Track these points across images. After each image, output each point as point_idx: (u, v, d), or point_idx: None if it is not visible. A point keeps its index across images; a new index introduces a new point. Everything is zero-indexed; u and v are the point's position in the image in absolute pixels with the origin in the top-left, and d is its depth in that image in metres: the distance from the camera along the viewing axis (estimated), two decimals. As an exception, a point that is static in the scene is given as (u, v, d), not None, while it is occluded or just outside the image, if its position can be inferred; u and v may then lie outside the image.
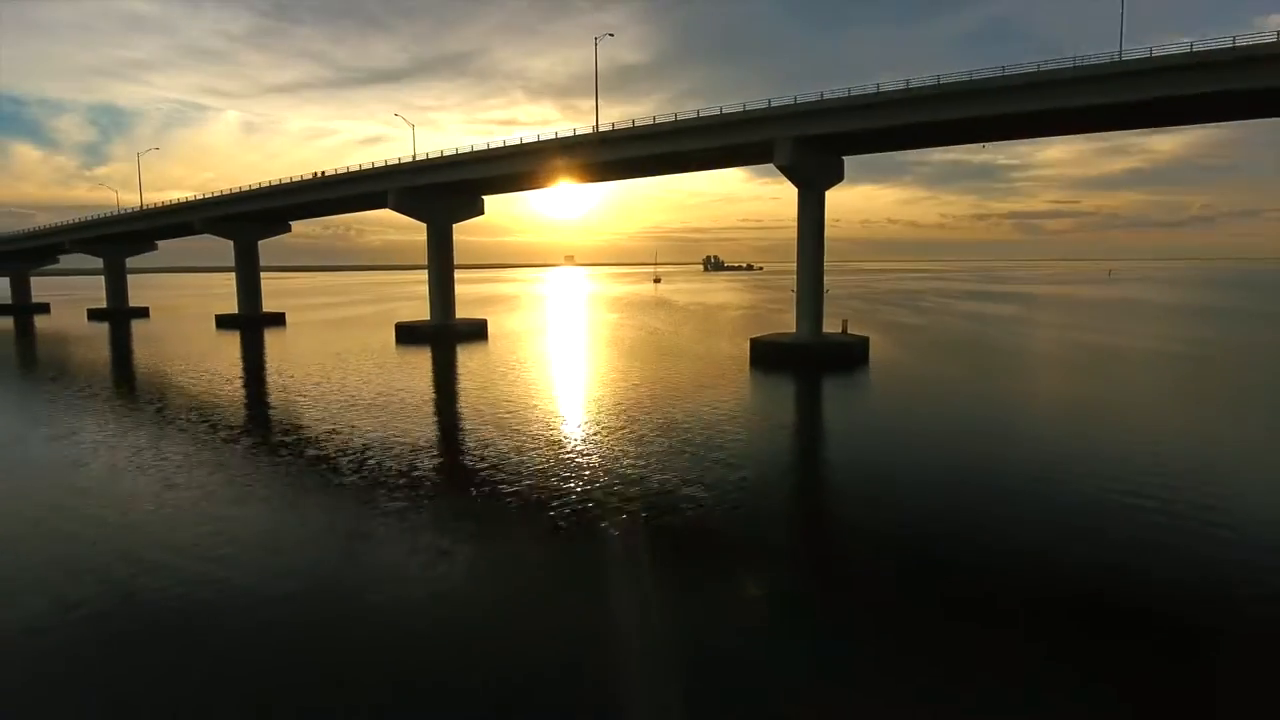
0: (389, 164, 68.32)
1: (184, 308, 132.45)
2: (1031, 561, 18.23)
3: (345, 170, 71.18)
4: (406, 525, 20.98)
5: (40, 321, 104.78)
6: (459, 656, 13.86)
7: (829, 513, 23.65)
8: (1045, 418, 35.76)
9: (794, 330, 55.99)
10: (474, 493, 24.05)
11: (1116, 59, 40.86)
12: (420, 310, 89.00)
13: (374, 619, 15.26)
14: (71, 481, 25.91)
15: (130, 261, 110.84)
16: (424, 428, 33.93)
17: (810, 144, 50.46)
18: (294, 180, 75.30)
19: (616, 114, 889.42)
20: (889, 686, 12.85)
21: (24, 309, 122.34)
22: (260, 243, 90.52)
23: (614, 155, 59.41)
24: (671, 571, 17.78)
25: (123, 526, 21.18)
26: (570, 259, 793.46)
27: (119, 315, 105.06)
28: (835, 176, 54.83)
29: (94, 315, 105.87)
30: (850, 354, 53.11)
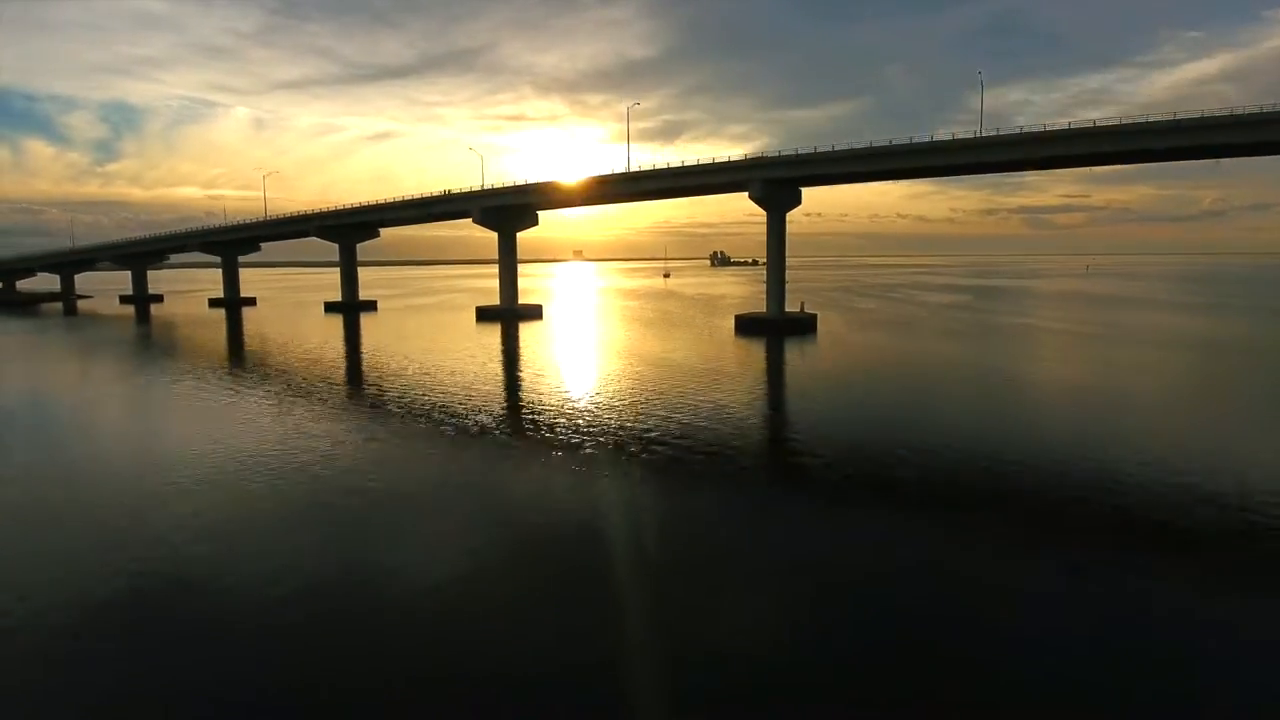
0: (475, 190, 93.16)
1: (276, 298, 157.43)
2: (852, 402, 42.50)
3: (443, 193, 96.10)
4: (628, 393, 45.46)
5: (167, 308, 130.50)
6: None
7: (769, 380, 47.90)
8: (909, 358, 59.87)
9: (765, 309, 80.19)
10: (608, 385, 48.50)
11: (977, 134, 65.06)
12: (468, 299, 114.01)
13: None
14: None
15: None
16: (556, 363, 58.57)
17: (774, 182, 74.57)
18: (404, 199, 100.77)
19: (624, 108, 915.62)
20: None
21: (144, 299, 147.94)
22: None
23: (637, 187, 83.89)
24: (690, 389, 42.04)
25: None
26: (579, 254, 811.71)
27: (233, 304, 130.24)
28: (794, 202, 78.63)
29: (214, 303, 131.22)
30: (803, 325, 77.14)
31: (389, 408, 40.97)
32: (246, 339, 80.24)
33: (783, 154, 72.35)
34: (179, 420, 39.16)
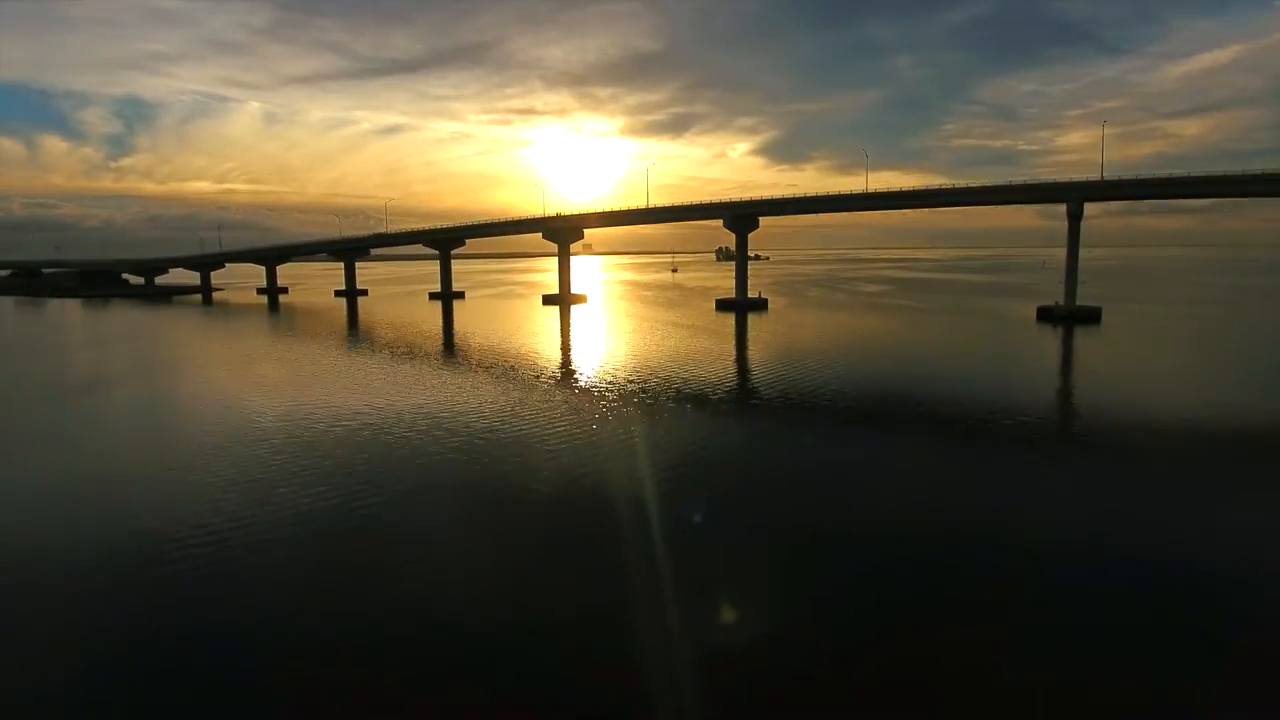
0: (544, 216, 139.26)
1: (377, 289, 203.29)
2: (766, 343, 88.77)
3: (521, 218, 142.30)
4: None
5: (294, 298, 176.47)
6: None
7: (731, 330, 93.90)
8: (815, 321, 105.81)
9: (733, 295, 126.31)
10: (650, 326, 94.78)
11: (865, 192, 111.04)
12: (525, 290, 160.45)
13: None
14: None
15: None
16: (611, 325, 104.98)
17: (739, 217, 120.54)
18: (492, 221, 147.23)
19: (633, 101, 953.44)
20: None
21: (274, 291, 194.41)
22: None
23: (650, 218, 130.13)
24: (686, 332, 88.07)
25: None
26: (588, 247, 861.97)
27: (352, 294, 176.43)
28: (753, 226, 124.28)
29: (338, 294, 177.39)
30: (759, 305, 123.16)
31: (561, 358, 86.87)
32: (392, 322, 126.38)
33: (743, 200, 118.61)
34: (415, 377, 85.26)
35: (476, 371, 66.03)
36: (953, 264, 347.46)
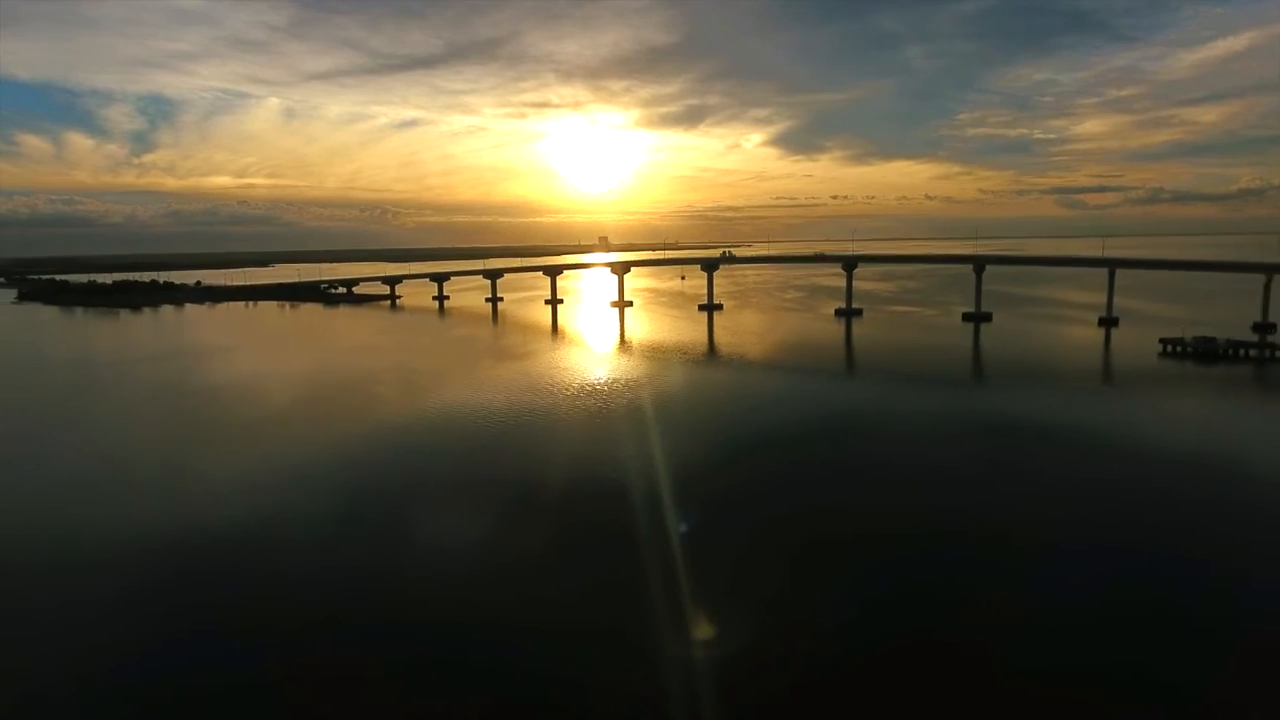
0: (614, 261, 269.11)
1: (506, 297, 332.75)
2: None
3: (600, 263, 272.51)
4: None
5: (455, 303, 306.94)
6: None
7: (702, 318, 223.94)
8: (740, 315, 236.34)
9: (705, 300, 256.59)
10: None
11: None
12: (591, 297, 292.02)
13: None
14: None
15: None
16: (655, 314, 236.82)
17: (709, 262, 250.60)
18: (583, 262, 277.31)
19: (647, 94, 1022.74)
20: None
21: (442, 298, 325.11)
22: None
23: (666, 263, 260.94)
24: (680, 319, 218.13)
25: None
26: (604, 240, 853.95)
27: (495, 301, 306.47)
28: (717, 268, 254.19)
29: (486, 300, 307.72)
30: (718, 306, 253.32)
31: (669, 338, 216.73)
32: (533, 320, 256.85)
33: (712, 258, 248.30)
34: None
35: (650, 353, 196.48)
36: (885, 272, 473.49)
